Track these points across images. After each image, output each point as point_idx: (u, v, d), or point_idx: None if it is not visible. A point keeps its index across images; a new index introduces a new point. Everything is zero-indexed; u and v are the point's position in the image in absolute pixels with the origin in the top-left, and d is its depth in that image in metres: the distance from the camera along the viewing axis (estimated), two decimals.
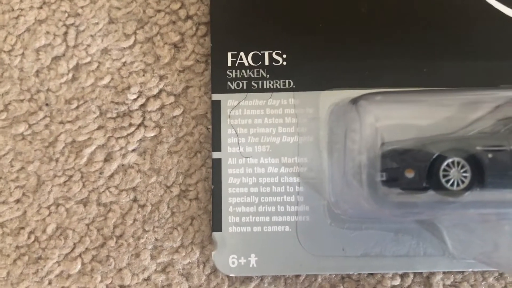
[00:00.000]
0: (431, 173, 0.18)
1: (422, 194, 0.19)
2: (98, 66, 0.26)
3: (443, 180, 0.18)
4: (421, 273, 0.24)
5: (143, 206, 0.25)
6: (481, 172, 0.18)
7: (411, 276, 0.24)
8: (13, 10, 0.26)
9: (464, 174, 0.19)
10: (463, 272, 0.24)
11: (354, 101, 0.22)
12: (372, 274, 0.24)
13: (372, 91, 0.22)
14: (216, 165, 0.24)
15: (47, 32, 0.26)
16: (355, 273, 0.24)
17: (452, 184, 0.18)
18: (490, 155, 0.18)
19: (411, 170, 0.18)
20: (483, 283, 0.24)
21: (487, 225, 0.21)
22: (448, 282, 0.24)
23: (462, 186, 0.18)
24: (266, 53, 0.25)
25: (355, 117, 0.22)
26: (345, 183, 0.23)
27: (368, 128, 0.21)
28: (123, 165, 0.25)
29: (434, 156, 0.18)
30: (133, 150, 0.25)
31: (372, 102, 0.21)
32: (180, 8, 0.26)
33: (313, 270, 0.24)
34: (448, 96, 0.20)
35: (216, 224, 0.24)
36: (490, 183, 0.18)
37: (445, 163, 0.18)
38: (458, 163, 0.18)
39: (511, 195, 0.18)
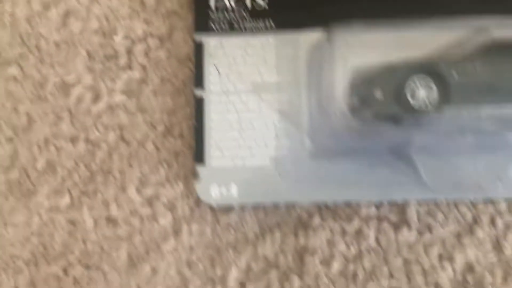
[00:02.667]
0: (398, 91, 0.19)
1: (392, 115, 0.20)
2: (86, 12, 0.27)
3: (410, 98, 0.19)
4: (396, 202, 0.25)
5: (129, 143, 0.26)
6: (446, 89, 0.19)
7: (387, 206, 0.25)
8: None
9: (430, 92, 0.20)
10: (436, 200, 0.25)
11: (329, 36, 0.23)
12: (348, 203, 0.25)
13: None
14: (199, 101, 0.25)
15: None
16: (331, 203, 0.25)
17: (418, 102, 0.19)
18: (454, 72, 0.19)
19: (379, 91, 0.20)
20: (455, 211, 0.25)
21: (456, 150, 0.22)
22: (422, 211, 0.25)
23: (428, 103, 0.19)
24: None
25: (330, 51, 0.23)
26: (322, 116, 0.24)
27: (341, 59, 0.22)
28: (110, 105, 0.26)
29: (400, 74, 0.19)
30: (120, 91, 0.26)
31: (345, 35, 0.22)
32: None
33: (291, 199, 0.25)
34: (418, 25, 0.21)
35: (198, 157, 0.25)
36: (455, 100, 0.19)
37: (411, 79, 0.19)
38: (424, 79, 0.19)
39: (477, 111, 0.20)
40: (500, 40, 0.20)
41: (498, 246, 0.25)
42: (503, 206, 0.25)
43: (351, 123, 0.22)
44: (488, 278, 0.24)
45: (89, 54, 0.27)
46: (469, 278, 0.24)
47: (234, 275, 0.25)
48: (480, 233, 0.25)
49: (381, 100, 0.20)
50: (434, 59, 0.20)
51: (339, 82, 0.21)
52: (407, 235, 0.25)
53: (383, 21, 0.23)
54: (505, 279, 0.24)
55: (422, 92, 0.19)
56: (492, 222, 0.25)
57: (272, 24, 0.26)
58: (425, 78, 0.19)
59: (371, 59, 0.21)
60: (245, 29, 0.26)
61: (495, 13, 0.22)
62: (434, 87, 0.19)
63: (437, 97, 0.19)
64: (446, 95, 0.19)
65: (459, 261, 0.24)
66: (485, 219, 0.25)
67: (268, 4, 0.26)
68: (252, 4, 0.26)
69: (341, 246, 0.25)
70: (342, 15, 0.24)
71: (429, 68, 0.19)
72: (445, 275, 0.24)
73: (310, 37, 0.25)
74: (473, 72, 0.19)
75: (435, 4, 0.23)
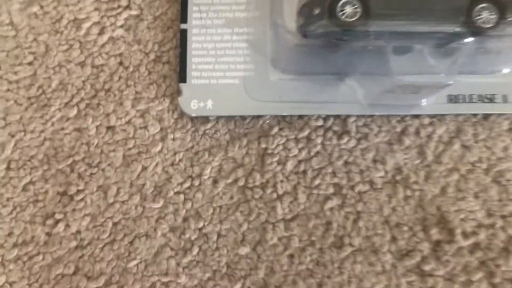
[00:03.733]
0: (331, 9, 0.25)
1: (327, 28, 0.26)
2: None
3: (339, 14, 0.25)
4: (339, 116, 0.31)
5: (126, 68, 0.32)
6: (368, 7, 0.25)
7: (332, 119, 0.31)
8: None
9: (355, 9, 0.25)
10: (372, 116, 0.31)
11: None
12: (301, 116, 0.31)
13: None
14: (183, 34, 0.31)
15: None
16: (288, 115, 0.31)
17: (346, 17, 0.25)
18: None
19: (318, 9, 0.25)
20: (387, 124, 0.30)
21: (385, 71, 0.28)
22: (360, 124, 0.31)
23: (354, 18, 0.25)
24: None
25: None
26: (279, 43, 0.30)
27: None
28: (112, 37, 0.32)
29: None
30: (121, 26, 0.32)
31: None
32: None
33: (256, 112, 0.31)
34: None
35: (182, 77, 0.31)
36: (374, 15, 0.25)
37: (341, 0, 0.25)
38: (356, 2, 0.25)
39: (394, 26, 0.25)
40: None
41: (421, 152, 0.30)
42: (426, 120, 0.30)
43: (297, 47, 0.28)
44: (413, 178, 0.30)
45: None
46: (398, 177, 0.30)
47: (208, 173, 0.31)
48: (407, 141, 0.30)
49: (319, 16, 0.26)
50: None
51: (288, 9, 0.27)
52: (348, 142, 0.30)
53: None
54: (426, 178, 0.30)
55: (349, 9, 0.25)
56: (417, 133, 0.30)
57: None
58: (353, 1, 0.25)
59: None
60: None
61: None
62: (359, 6, 0.25)
63: (360, 14, 0.25)
64: (367, 12, 0.25)
65: (390, 163, 0.30)
66: (411, 130, 0.30)
67: None
68: None
69: (295, 150, 0.30)
70: None
71: None
72: (378, 175, 0.30)
73: None
74: None
75: None
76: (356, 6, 0.26)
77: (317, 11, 0.26)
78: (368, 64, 0.29)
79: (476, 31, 0.26)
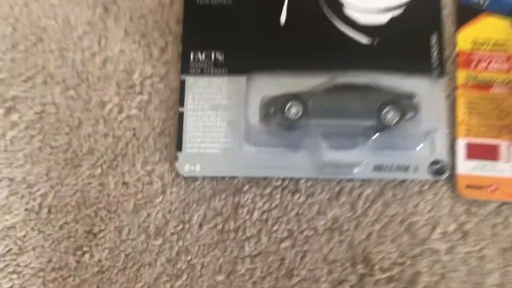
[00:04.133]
0: (282, 109, 0.36)
1: (279, 124, 0.36)
2: (117, 59, 0.44)
3: (287, 113, 0.36)
4: (293, 178, 0.41)
5: (138, 138, 0.43)
6: (306, 108, 0.36)
7: (287, 180, 0.41)
8: None
9: (298, 110, 0.36)
10: (317, 179, 0.41)
11: (249, 79, 0.40)
12: (265, 178, 0.41)
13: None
14: (181, 115, 0.42)
15: None
16: (255, 177, 0.41)
17: (291, 115, 0.36)
18: (310, 99, 0.36)
19: (272, 108, 0.36)
20: (328, 185, 0.41)
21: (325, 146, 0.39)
22: (308, 184, 0.41)
23: (297, 116, 0.36)
24: (213, 53, 0.43)
25: (250, 87, 0.40)
26: (248, 124, 0.41)
27: (256, 92, 0.39)
28: (128, 115, 0.43)
29: (282, 100, 0.36)
30: (135, 107, 0.43)
31: (257, 79, 0.39)
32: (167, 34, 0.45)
33: (232, 174, 0.41)
34: (299, 74, 0.39)
35: (178, 147, 0.42)
36: (312, 115, 0.36)
37: (288, 102, 0.36)
38: (294, 103, 0.36)
39: (327, 122, 0.36)
40: (341, 83, 0.37)
41: (353, 207, 0.41)
42: (357, 183, 0.41)
43: (262, 128, 0.39)
44: (346, 226, 0.40)
45: (117, 84, 0.44)
46: (335, 225, 0.40)
47: (196, 219, 0.41)
48: (342, 199, 0.41)
49: (273, 114, 0.36)
50: (300, 92, 0.36)
51: (255, 105, 0.38)
52: (299, 198, 0.41)
53: (279, 71, 0.40)
54: (356, 227, 0.40)
55: (293, 110, 0.36)
56: (350, 192, 0.41)
57: (226, 70, 0.43)
58: (295, 102, 0.36)
59: (270, 92, 0.38)
60: (210, 73, 0.43)
61: (340, 68, 0.40)
62: (300, 108, 0.36)
63: (301, 113, 0.36)
64: (306, 112, 0.36)
65: (329, 215, 0.41)
66: (346, 190, 0.41)
67: (224, 59, 0.43)
68: (214, 58, 0.43)
69: (260, 203, 0.41)
70: (262, 67, 0.42)
71: (297, 97, 0.36)
72: (320, 223, 0.40)
73: (243, 79, 0.42)
74: (322, 99, 0.36)
75: (308, 63, 0.40)
76: (299, 108, 0.37)
77: (271, 110, 0.37)
78: (311, 142, 0.40)
79: (384, 127, 0.37)
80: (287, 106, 0.37)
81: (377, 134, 0.38)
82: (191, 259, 0.41)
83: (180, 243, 0.41)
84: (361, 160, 0.40)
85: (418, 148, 0.41)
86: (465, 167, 0.41)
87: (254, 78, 0.40)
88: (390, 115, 0.37)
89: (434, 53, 0.43)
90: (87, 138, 0.43)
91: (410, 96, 0.38)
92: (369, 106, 0.37)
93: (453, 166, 0.41)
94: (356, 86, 0.38)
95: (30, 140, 0.43)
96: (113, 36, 0.45)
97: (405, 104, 0.37)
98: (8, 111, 0.44)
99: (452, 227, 0.40)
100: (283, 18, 0.43)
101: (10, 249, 0.42)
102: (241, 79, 0.42)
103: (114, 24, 0.45)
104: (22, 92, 0.44)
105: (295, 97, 0.37)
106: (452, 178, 0.41)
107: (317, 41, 0.43)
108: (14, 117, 0.44)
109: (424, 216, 0.41)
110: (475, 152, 0.41)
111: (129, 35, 0.45)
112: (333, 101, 0.37)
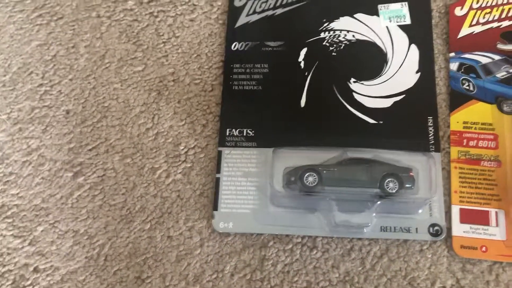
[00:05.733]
0: (301, 178, 0.44)
1: (299, 190, 0.45)
2: (166, 133, 0.54)
3: (305, 182, 0.44)
4: (311, 236, 0.48)
5: (182, 199, 0.51)
6: (321, 179, 0.44)
7: (306, 238, 0.48)
8: None
9: (315, 179, 0.44)
10: (332, 237, 0.48)
11: (275, 152, 0.49)
12: (287, 235, 0.48)
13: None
14: (218, 180, 0.51)
15: None
16: (279, 234, 0.49)
17: (309, 183, 0.44)
18: (325, 171, 0.44)
19: (293, 177, 0.45)
20: (341, 243, 0.48)
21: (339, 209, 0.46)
22: (324, 242, 0.48)
23: (314, 184, 0.44)
24: (245, 130, 0.52)
25: (276, 159, 0.48)
26: (274, 189, 0.49)
27: (280, 163, 0.48)
28: (174, 179, 0.52)
29: (302, 170, 0.44)
30: (179, 172, 0.52)
31: (281, 153, 0.48)
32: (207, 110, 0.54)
33: (259, 231, 0.49)
34: (315, 150, 0.47)
35: (215, 207, 0.50)
36: (326, 184, 0.44)
37: (306, 172, 0.44)
38: (311, 173, 0.44)
39: (338, 189, 0.44)
40: (350, 157, 0.46)
41: (362, 262, 0.47)
42: (366, 241, 0.48)
43: (284, 193, 0.47)
44: (356, 279, 0.47)
45: (166, 154, 0.53)
46: (347, 278, 0.47)
47: (228, 269, 0.48)
48: (353, 255, 0.48)
49: (294, 182, 0.45)
50: (316, 164, 0.45)
51: (279, 173, 0.47)
52: (316, 253, 0.48)
53: (300, 146, 0.49)
54: (365, 280, 0.47)
55: (310, 179, 0.44)
56: (360, 249, 0.48)
57: (255, 144, 0.51)
58: (312, 173, 0.44)
59: (292, 163, 0.47)
60: (242, 146, 0.52)
61: (350, 145, 0.48)
62: (317, 177, 0.44)
63: (317, 182, 0.44)
64: (321, 181, 0.44)
65: (342, 269, 0.47)
66: (356, 247, 0.48)
67: (254, 134, 0.52)
68: (246, 134, 0.52)
69: (282, 257, 0.48)
70: (285, 142, 0.50)
71: (314, 168, 0.44)
72: (334, 276, 0.47)
73: (270, 151, 0.51)
74: (334, 171, 0.44)
75: (323, 139, 0.49)
76: (315, 177, 0.45)
77: (292, 178, 0.45)
78: (325, 206, 0.47)
79: (387, 194, 0.44)
80: (305, 176, 0.45)
81: (380, 201, 0.45)
82: None
83: None
84: (368, 221, 0.47)
85: (418, 213, 0.48)
86: (460, 230, 0.48)
87: (278, 151, 0.49)
88: (391, 185, 0.44)
89: (431, 132, 0.51)
90: (139, 198, 0.52)
91: (408, 170, 0.46)
92: (373, 177, 0.44)
93: (449, 229, 0.48)
94: (362, 160, 0.46)
95: (93, 199, 0.52)
96: (164, 115, 0.54)
97: (403, 176, 0.45)
98: (76, 174, 0.53)
99: (449, 282, 0.46)
100: (303, 101, 0.52)
101: None
102: (268, 152, 0.51)
103: (166, 105, 0.55)
104: (88, 159, 0.53)
105: (311, 168, 0.45)
106: (449, 239, 0.47)
107: (331, 121, 0.52)
108: (80, 179, 0.53)
109: (425, 272, 0.47)
110: (468, 217, 0.48)
111: (177, 114, 0.54)
112: (343, 172, 0.45)
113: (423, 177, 0.48)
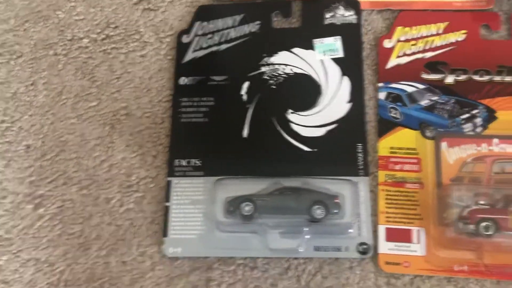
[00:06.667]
0: (238, 207, 0.49)
1: (237, 217, 0.49)
2: None
3: (242, 210, 0.49)
4: (252, 257, 0.53)
5: (135, 226, 0.55)
6: (256, 208, 0.49)
7: (248, 259, 0.53)
8: None
9: (251, 208, 0.49)
10: (271, 257, 0.53)
11: (216, 183, 0.53)
12: (231, 257, 0.53)
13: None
14: (167, 209, 0.55)
15: None
16: (223, 256, 0.53)
17: (246, 212, 0.49)
18: (259, 200, 0.49)
19: (232, 207, 0.49)
20: (279, 262, 0.53)
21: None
22: (264, 262, 0.53)
23: (250, 213, 0.49)
24: (192, 160, 0.57)
25: (216, 189, 0.53)
26: (216, 216, 0.53)
27: (220, 193, 0.52)
28: (128, 208, 0.56)
29: (239, 200, 0.49)
30: (132, 201, 0.56)
31: (222, 183, 0.53)
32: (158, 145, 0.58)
33: (205, 254, 0.53)
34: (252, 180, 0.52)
35: (164, 233, 0.54)
36: (261, 212, 0.49)
37: (243, 203, 0.49)
38: (248, 203, 0.49)
39: (272, 217, 0.49)
40: (282, 186, 0.51)
41: (298, 280, 0.52)
42: (301, 260, 0.53)
43: (226, 220, 0.51)
44: None
45: (119, 185, 0.57)
46: None
47: None
48: (290, 273, 0.52)
49: (233, 211, 0.49)
50: (252, 194, 0.50)
51: (221, 202, 0.51)
52: (257, 273, 0.53)
53: (241, 176, 0.53)
54: None
55: (247, 208, 0.49)
56: (296, 268, 0.52)
57: (202, 173, 0.56)
58: (248, 202, 0.49)
59: (232, 193, 0.51)
60: (190, 175, 0.56)
61: (287, 173, 0.53)
62: (252, 206, 0.49)
63: (253, 211, 0.49)
64: (256, 210, 0.49)
65: (280, 286, 0.52)
66: (293, 266, 0.52)
67: (201, 164, 0.56)
68: (193, 164, 0.56)
69: (226, 278, 0.53)
70: (229, 172, 0.55)
71: (249, 198, 0.49)
72: None
73: (213, 180, 0.55)
74: (267, 200, 0.49)
75: (262, 169, 0.54)
76: (251, 206, 0.50)
77: (231, 208, 0.50)
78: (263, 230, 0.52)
79: (315, 220, 0.49)
80: (242, 206, 0.50)
81: (310, 226, 0.50)
82: None
83: None
84: (300, 245, 0.52)
85: (348, 233, 0.53)
86: (385, 247, 0.53)
87: (220, 182, 0.54)
88: (318, 212, 0.49)
89: (361, 158, 0.55)
90: (95, 226, 0.56)
91: (334, 197, 0.51)
92: (302, 204, 0.49)
93: (375, 247, 0.53)
94: (293, 188, 0.51)
95: (52, 229, 0.56)
96: (117, 147, 0.59)
97: (329, 203, 0.50)
98: (36, 206, 0.57)
99: None
100: (245, 132, 0.57)
101: None
102: (210, 180, 0.55)
103: (118, 138, 0.59)
104: (47, 191, 0.58)
105: (248, 198, 0.50)
106: (375, 256, 0.52)
107: (271, 150, 0.56)
108: (41, 211, 0.57)
109: (354, 287, 0.52)
110: (392, 235, 0.53)
111: (129, 146, 0.59)
112: (275, 201, 0.50)
113: (353, 200, 0.53)
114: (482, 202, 0.50)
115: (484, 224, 0.48)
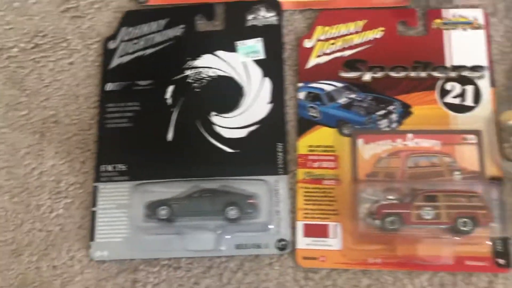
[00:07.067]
0: (154, 210, 0.51)
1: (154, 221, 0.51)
2: None
3: (158, 214, 0.51)
4: (176, 258, 0.55)
5: (64, 231, 0.57)
6: (172, 211, 0.51)
7: (172, 259, 0.55)
8: None
9: (167, 211, 0.51)
10: (193, 257, 0.55)
11: (135, 188, 0.55)
12: (156, 258, 0.55)
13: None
14: (93, 214, 0.57)
15: None
16: (148, 258, 0.55)
17: (162, 216, 0.51)
18: (175, 203, 0.51)
19: (149, 211, 0.51)
20: (202, 262, 0.54)
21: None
22: (188, 262, 0.55)
23: (166, 217, 0.51)
24: (118, 165, 0.58)
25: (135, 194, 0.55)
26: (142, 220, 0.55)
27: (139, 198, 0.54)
28: (58, 214, 0.58)
29: (155, 205, 0.51)
30: (62, 207, 0.58)
31: (140, 188, 0.55)
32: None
33: (131, 257, 0.55)
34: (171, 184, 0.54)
35: (91, 238, 0.56)
36: (177, 215, 0.51)
37: (159, 207, 0.51)
38: (164, 207, 0.51)
39: (188, 219, 0.51)
40: (199, 189, 0.52)
41: (220, 277, 0.54)
42: (224, 258, 0.55)
43: (146, 224, 0.53)
44: None
45: (49, 191, 0.59)
46: None
47: None
48: (212, 271, 0.54)
49: (150, 215, 0.51)
50: (169, 198, 0.52)
51: (139, 206, 0.53)
52: (180, 272, 0.55)
53: (163, 179, 0.55)
54: None
55: (163, 212, 0.51)
56: (218, 266, 0.54)
57: (128, 178, 0.57)
58: (164, 207, 0.51)
59: (151, 197, 0.53)
60: (116, 180, 0.58)
61: (210, 175, 0.55)
62: (168, 210, 0.51)
63: (170, 214, 0.51)
64: (172, 214, 0.51)
65: (203, 285, 0.54)
66: (215, 264, 0.54)
67: (126, 169, 0.58)
68: (119, 168, 0.58)
69: (151, 279, 0.55)
70: (154, 176, 0.56)
71: (165, 202, 0.51)
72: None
73: (141, 184, 0.57)
74: (183, 203, 0.51)
75: (185, 172, 0.55)
76: (167, 210, 0.51)
77: (149, 212, 0.52)
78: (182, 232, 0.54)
79: (230, 221, 0.51)
80: (158, 210, 0.51)
81: (228, 226, 0.52)
82: None
83: None
84: (219, 245, 0.54)
85: (268, 229, 0.55)
86: (303, 243, 0.55)
87: (142, 186, 0.56)
88: (232, 213, 0.51)
89: (280, 157, 0.57)
90: (27, 233, 0.58)
91: (248, 197, 0.53)
92: (216, 206, 0.51)
93: (294, 243, 0.55)
94: (209, 190, 0.53)
95: None
96: (47, 155, 0.60)
97: (244, 204, 0.52)
98: None
99: None
100: (170, 135, 0.58)
101: None
102: (131, 184, 0.57)
103: (48, 146, 0.60)
104: None
105: (164, 202, 0.52)
106: (294, 252, 0.54)
107: (195, 153, 0.58)
108: None
109: (273, 282, 0.54)
110: (310, 231, 0.55)
111: (58, 153, 0.60)
112: (191, 204, 0.52)
113: (270, 199, 0.55)
114: (390, 197, 0.52)
115: (389, 219, 0.50)
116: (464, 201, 0.50)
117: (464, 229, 0.50)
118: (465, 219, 0.50)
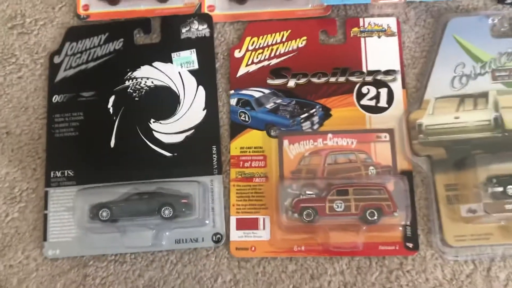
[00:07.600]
0: (97, 214, 0.57)
1: (97, 222, 0.57)
2: None
3: (100, 216, 0.57)
4: (122, 253, 0.61)
5: (19, 233, 0.63)
6: (112, 213, 0.57)
7: (118, 255, 0.61)
8: None
9: (107, 213, 0.57)
10: (138, 252, 0.61)
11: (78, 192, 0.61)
12: (103, 254, 0.61)
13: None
14: (45, 216, 0.62)
15: None
16: (97, 254, 0.61)
17: (104, 218, 0.57)
18: (113, 206, 0.57)
19: (91, 213, 0.57)
20: (145, 256, 0.61)
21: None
22: (133, 256, 0.61)
23: (107, 218, 0.57)
24: (66, 171, 0.63)
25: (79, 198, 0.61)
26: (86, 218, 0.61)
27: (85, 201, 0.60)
28: (13, 218, 0.63)
29: (98, 207, 0.57)
30: (17, 211, 0.63)
31: (85, 191, 0.60)
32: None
33: (81, 254, 0.61)
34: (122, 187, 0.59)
35: (44, 238, 0.62)
36: (117, 216, 0.56)
37: (100, 210, 0.57)
38: (105, 209, 0.57)
39: (127, 220, 0.57)
40: (137, 192, 0.58)
41: (162, 269, 0.60)
42: (164, 252, 0.61)
43: (91, 225, 0.59)
44: (157, 284, 0.60)
45: (4, 197, 0.64)
46: (150, 283, 0.60)
47: (59, 286, 0.61)
48: (154, 264, 0.61)
49: (93, 217, 0.57)
50: (109, 201, 0.57)
51: (84, 209, 0.59)
52: (126, 266, 0.61)
53: (105, 183, 0.61)
54: (164, 283, 0.60)
55: (104, 214, 0.57)
56: (160, 260, 0.61)
57: (75, 183, 0.63)
58: (104, 209, 0.57)
59: (94, 200, 0.59)
60: (64, 185, 0.63)
61: (150, 178, 0.60)
62: (108, 211, 0.57)
63: (109, 216, 0.57)
64: (113, 214, 0.57)
65: (146, 276, 0.60)
66: (157, 258, 0.61)
67: (73, 174, 0.63)
68: (67, 175, 0.63)
69: (100, 273, 0.61)
70: (98, 180, 0.62)
71: (106, 205, 0.57)
72: (142, 282, 0.60)
73: (87, 188, 0.63)
74: (122, 206, 0.57)
75: (126, 175, 0.61)
76: (108, 212, 0.57)
77: (91, 215, 0.57)
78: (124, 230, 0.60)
79: (165, 220, 0.57)
80: (100, 212, 0.57)
81: (165, 223, 0.58)
82: None
83: None
84: (162, 238, 0.60)
85: (205, 224, 0.61)
86: (236, 235, 0.61)
87: (82, 191, 0.61)
88: (166, 212, 0.57)
89: (215, 158, 0.63)
90: None
91: (182, 198, 0.59)
92: (152, 207, 0.57)
93: (228, 236, 0.61)
94: (146, 193, 0.58)
95: None
96: (1, 163, 0.65)
97: (177, 204, 0.58)
98: None
99: (228, 277, 0.60)
100: (112, 142, 0.64)
101: None
102: (79, 189, 0.62)
103: (1, 155, 0.65)
104: None
105: (104, 205, 0.58)
106: (227, 244, 0.61)
107: (136, 158, 0.64)
108: None
109: (210, 272, 0.60)
110: (242, 224, 0.62)
111: (12, 161, 0.65)
112: (129, 206, 0.58)
113: (205, 197, 0.61)
114: (309, 192, 0.59)
115: (305, 212, 0.57)
116: (371, 193, 0.57)
117: (371, 218, 0.57)
118: (372, 210, 0.57)
